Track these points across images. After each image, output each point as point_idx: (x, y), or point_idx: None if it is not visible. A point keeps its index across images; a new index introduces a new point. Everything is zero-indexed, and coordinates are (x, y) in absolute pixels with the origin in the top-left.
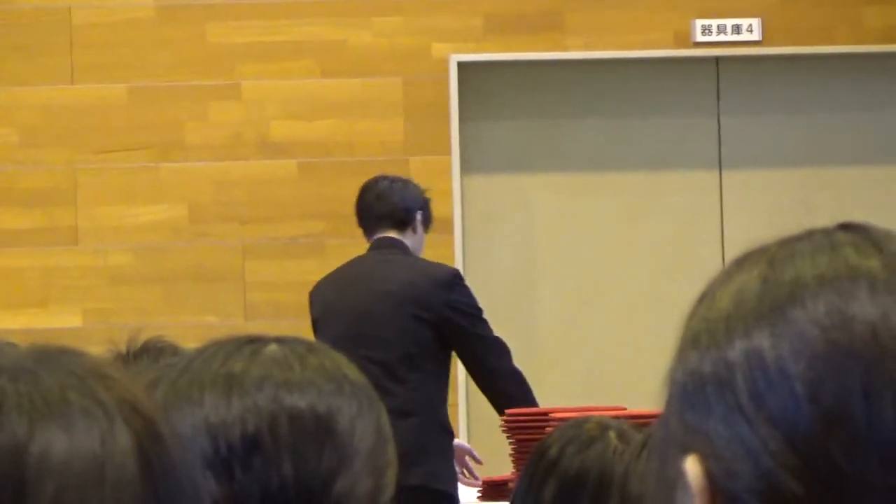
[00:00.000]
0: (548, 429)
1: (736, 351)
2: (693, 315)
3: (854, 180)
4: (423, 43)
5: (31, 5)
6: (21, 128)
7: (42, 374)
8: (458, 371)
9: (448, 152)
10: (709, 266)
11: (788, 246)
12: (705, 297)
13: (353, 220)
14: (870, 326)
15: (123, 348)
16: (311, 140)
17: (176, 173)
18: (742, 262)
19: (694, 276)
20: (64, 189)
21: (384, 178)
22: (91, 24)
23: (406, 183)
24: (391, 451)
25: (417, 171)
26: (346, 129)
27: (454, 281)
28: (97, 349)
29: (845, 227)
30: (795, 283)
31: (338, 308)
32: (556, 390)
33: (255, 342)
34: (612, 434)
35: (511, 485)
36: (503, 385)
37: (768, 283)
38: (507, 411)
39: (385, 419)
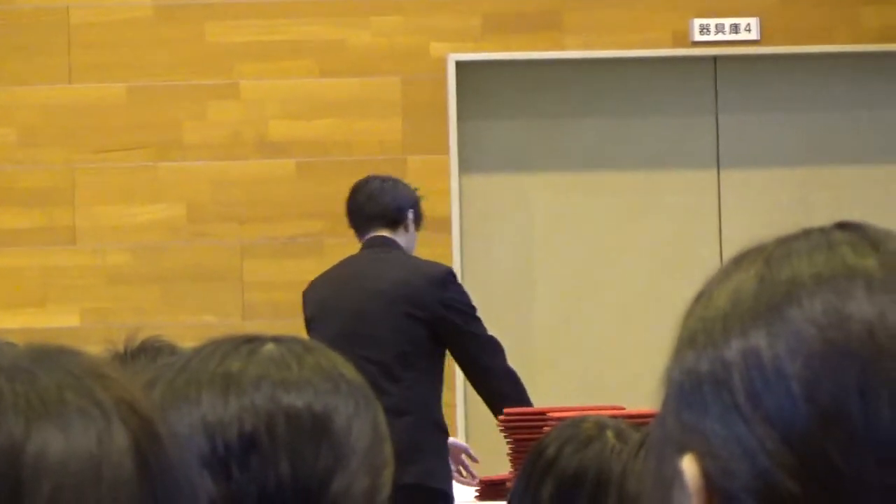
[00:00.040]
0: (545, 428)
1: (733, 350)
2: (690, 314)
3: (852, 180)
4: (421, 42)
5: (29, 5)
6: (19, 127)
7: (39, 373)
8: (456, 370)
9: (446, 152)
10: (707, 265)
11: (785, 245)
12: (702, 297)
13: None
14: (866, 325)
15: (121, 348)
16: (310, 139)
17: (174, 173)
18: (739, 261)
19: (692, 276)
20: (62, 189)
21: (374, 177)
22: (89, 23)
23: (396, 182)
24: (388, 451)
25: (416, 170)
26: (345, 129)
27: (447, 279)
28: (95, 349)
29: (842, 226)
30: (792, 283)
31: (332, 307)
32: (553, 390)
33: (252, 341)
34: (609, 433)
35: (509, 484)
36: (497, 384)
37: (765, 282)
38: (506, 410)
39: (382, 418)
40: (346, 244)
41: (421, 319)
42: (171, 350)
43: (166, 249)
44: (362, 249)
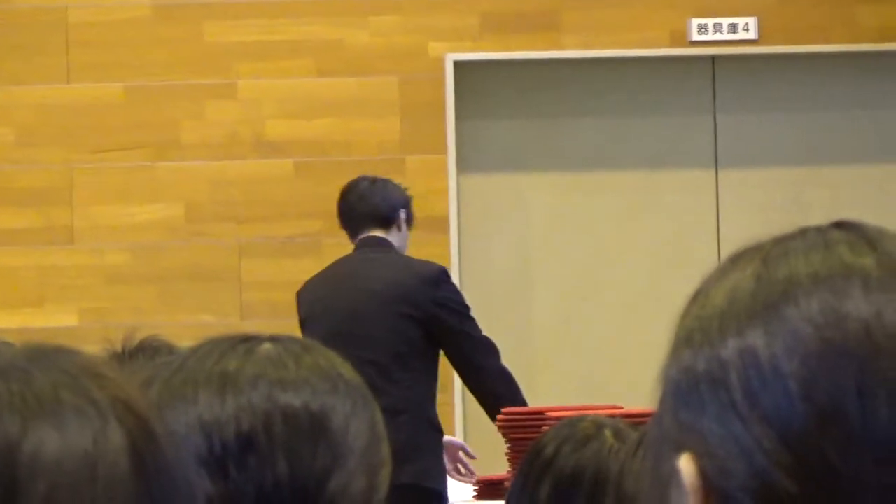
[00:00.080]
0: (544, 428)
1: (730, 349)
2: (687, 313)
3: (850, 179)
4: (419, 42)
5: (27, 5)
6: (17, 127)
7: (35, 372)
8: (454, 370)
9: (444, 151)
10: (705, 264)
11: (782, 244)
12: (699, 295)
13: None
14: (864, 324)
15: (119, 347)
16: (308, 139)
17: (172, 172)
18: (736, 259)
19: (690, 275)
20: (60, 188)
21: (365, 178)
22: (87, 23)
23: (387, 182)
24: (385, 450)
25: (414, 170)
26: (343, 129)
27: (440, 278)
28: (93, 348)
29: (839, 225)
30: (789, 282)
31: (326, 308)
32: (552, 389)
33: (249, 341)
34: (607, 433)
35: (507, 484)
36: (491, 384)
37: (762, 281)
38: (504, 410)
39: (379, 418)
40: (344, 244)
41: (415, 319)
42: (169, 349)
43: (164, 249)
44: (356, 250)
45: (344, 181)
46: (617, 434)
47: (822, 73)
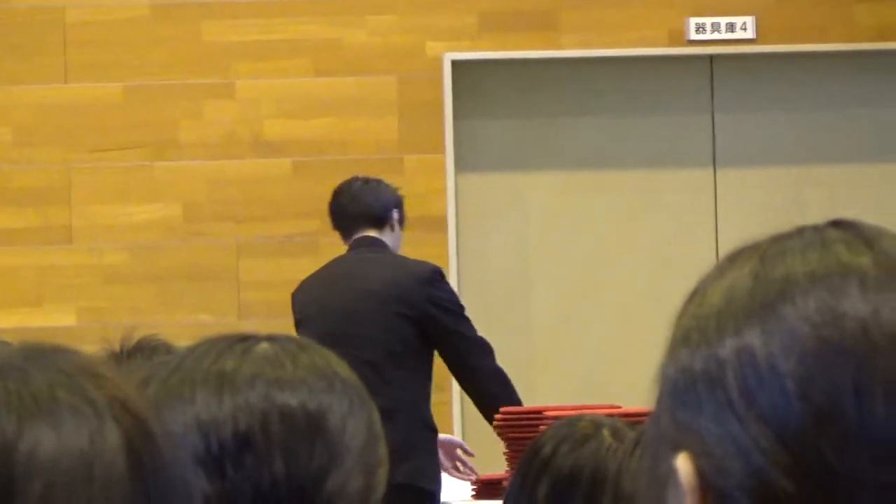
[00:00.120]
0: (542, 427)
1: (727, 348)
2: (684, 312)
3: (848, 178)
4: (417, 41)
5: (25, 4)
6: (15, 127)
7: (31, 371)
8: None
9: (442, 151)
10: (704, 263)
11: (780, 243)
12: (696, 294)
13: None
14: (861, 323)
15: (117, 347)
16: (306, 139)
17: (170, 172)
18: (733, 258)
19: (689, 274)
20: (58, 188)
21: (357, 179)
22: (85, 22)
23: (379, 182)
24: (382, 450)
25: (412, 169)
26: (341, 128)
27: (434, 277)
28: (91, 348)
29: (836, 224)
30: (786, 280)
31: (321, 308)
32: (550, 389)
33: (246, 340)
34: (605, 432)
35: (505, 483)
36: (486, 385)
37: (759, 280)
38: (502, 409)
39: (376, 417)
40: (342, 244)
41: (410, 318)
42: (167, 349)
43: (162, 249)
44: (349, 250)
45: (342, 181)
46: (615, 433)
47: (821, 72)
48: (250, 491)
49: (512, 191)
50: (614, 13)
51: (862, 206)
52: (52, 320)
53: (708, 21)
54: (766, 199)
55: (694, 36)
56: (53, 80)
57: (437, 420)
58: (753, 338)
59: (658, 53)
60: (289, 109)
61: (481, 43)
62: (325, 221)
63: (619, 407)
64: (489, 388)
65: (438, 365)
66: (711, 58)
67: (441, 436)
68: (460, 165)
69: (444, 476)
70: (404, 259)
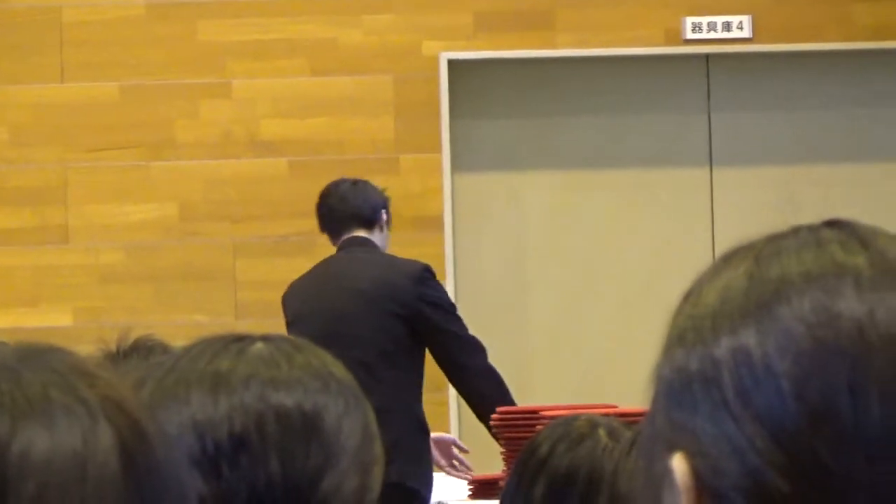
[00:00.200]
0: (538, 427)
1: (722, 348)
2: (680, 312)
3: (845, 178)
4: (413, 41)
5: (21, 4)
6: (11, 126)
7: (24, 372)
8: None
9: (439, 150)
10: (700, 263)
11: (775, 243)
12: (692, 294)
13: None
14: (856, 323)
15: (114, 347)
16: (302, 138)
17: (167, 172)
18: (729, 258)
19: (685, 273)
20: (54, 188)
21: (344, 180)
22: (82, 22)
23: (366, 183)
24: (378, 449)
25: (408, 169)
26: (337, 128)
27: (424, 275)
28: (88, 348)
29: (831, 223)
30: (781, 280)
31: (312, 309)
32: (547, 389)
33: (241, 340)
34: (601, 432)
35: (501, 483)
36: (476, 383)
37: (754, 279)
38: (498, 409)
39: (372, 417)
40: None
41: (401, 317)
42: (164, 349)
43: (159, 248)
44: (339, 251)
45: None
46: (611, 433)
47: (817, 71)
48: (246, 491)
49: (508, 190)
50: (610, 12)
51: (858, 205)
52: (49, 320)
53: (704, 20)
54: (763, 198)
55: (690, 35)
56: (50, 80)
57: (434, 420)
58: (749, 338)
59: (654, 53)
60: (285, 109)
61: (477, 42)
62: None
63: (616, 407)
64: (480, 387)
65: (436, 365)
66: (708, 57)
67: (434, 434)
68: (457, 165)
69: (441, 475)
70: (394, 258)
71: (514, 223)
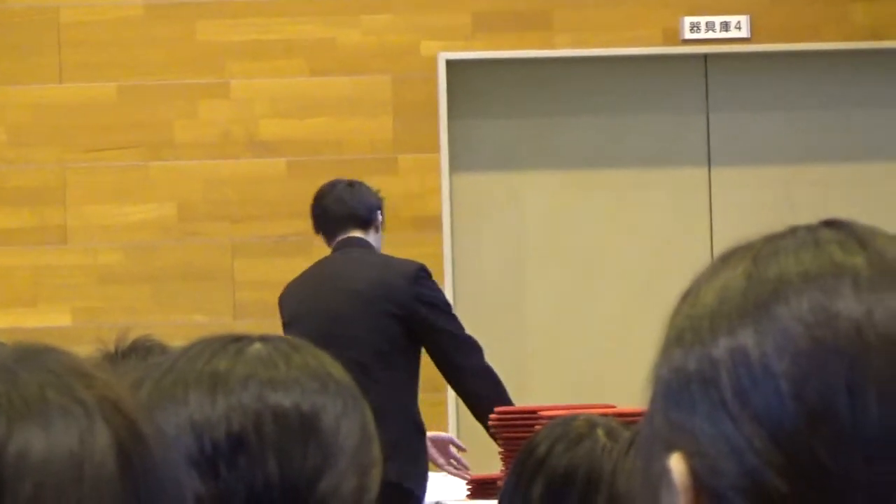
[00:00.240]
0: (536, 427)
1: (720, 348)
2: (678, 312)
3: (843, 178)
4: (412, 41)
5: (20, 4)
6: (10, 127)
7: (21, 372)
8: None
9: (437, 150)
10: (698, 263)
11: (773, 243)
12: (690, 294)
13: None
14: (854, 323)
15: (112, 347)
16: (301, 138)
17: (165, 172)
18: (727, 258)
19: (684, 273)
20: (53, 188)
21: (339, 181)
22: (80, 22)
23: (361, 184)
24: (376, 450)
25: (406, 169)
26: (336, 128)
27: (419, 274)
28: (86, 348)
29: (830, 224)
30: (779, 281)
31: (308, 310)
32: (545, 389)
33: (239, 341)
34: (600, 432)
35: (500, 483)
36: (472, 384)
37: (752, 280)
38: (497, 409)
39: (370, 417)
40: None
41: (397, 317)
42: (162, 349)
43: (157, 249)
44: (335, 251)
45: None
46: (610, 433)
47: (815, 71)
48: (244, 492)
49: (507, 190)
50: (608, 12)
51: (856, 205)
52: (47, 320)
53: (702, 20)
54: (762, 198)
55: (688, 35)
56: (48, 80)
57: (432, 420)
58: (747, 338)
59: (652, 53)
60: (283, 109)
61: (476, 42)
62: None
63: (614, 406)
64: (476, 387)
65: (432, 365)
66: (706, 57)
67: (431, 433)
68: (455, 165)
69: (440, 475)
70: (389, 258)
71: (513, 223)
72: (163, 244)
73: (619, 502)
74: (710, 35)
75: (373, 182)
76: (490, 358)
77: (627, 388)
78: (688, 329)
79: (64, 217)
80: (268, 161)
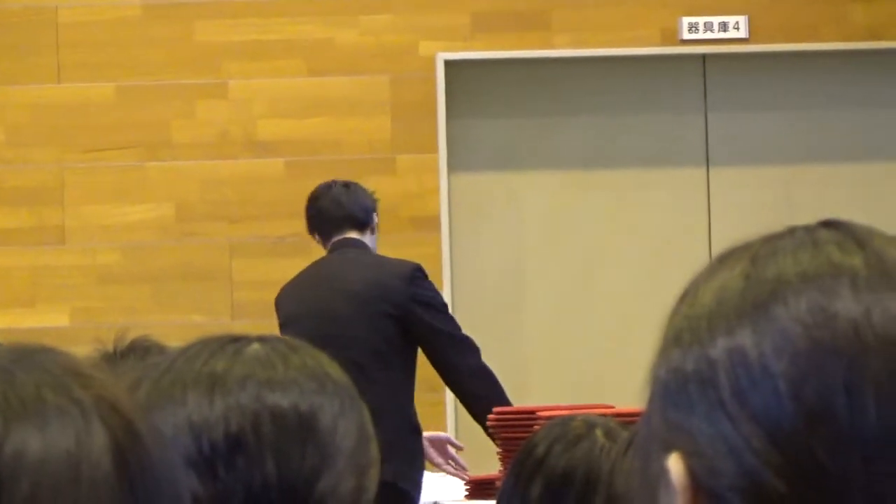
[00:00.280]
0: (535, 427)
1: (718, 348)
2: (676, 312)
3: (842, 178)
4: (410, 41)
5: (17, 4)
6: (8, 127)
7: (17, 372)
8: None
9: (435, 150)
10: (697, 262)
11: (771, 243)
12: (688, 295)
13: None
14: (852, 324)
15: (111, 347)
16: (299, 139)
17: (163, 172)
18: (725, 259)
19: (682, 273)
20: (51, 188)
21: (335, 183)
22: (78, 22)
23: (357, 186)
24: (373, 450)
25: (405, 169)
26: (334, 128)
27: (416, 275)
28: (85, 348)
29: (828, 224)
30: (778, 281)
31: (305, 310)
32: (544, 389)
33: (237, 341)
34: (598, 432)
35: (498, 483)
36: (470, 384)
37: (751, 280)
38: (495, 409)
39: (367, 418)
40: None
41: (393, 317)
42: (161, 350)
43: (156, 249)
44: (331, 252)
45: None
46: (608, 433)
47: (813, 71)
48: (242, 492)
49: (505, 190)
50: (607, 12)
51: (854, 205)
52: (46, 320)
53: (701, 20)
54: (760, 198)
55: (687, 35)
56: (46, 80)
57: (431, 420)
58: (745, 338)
59: (651, 53)
60: (282, 109)
61: (474, 43)
62: None
63: (613, 407)
64: (474, 387)
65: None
66: (704, 57)
67: (428, 433)
68: (453, 165)
69: (438, 475)
70: (385, 259)
71: (511, 223)
72: (161, 244)
73: (618, 502)
74: (709, 35)
75: (371, 182)
76: (489, 358)
77: (627, 389)
78: (686, 329)
79: (62, 217)
80: (266, 161)
